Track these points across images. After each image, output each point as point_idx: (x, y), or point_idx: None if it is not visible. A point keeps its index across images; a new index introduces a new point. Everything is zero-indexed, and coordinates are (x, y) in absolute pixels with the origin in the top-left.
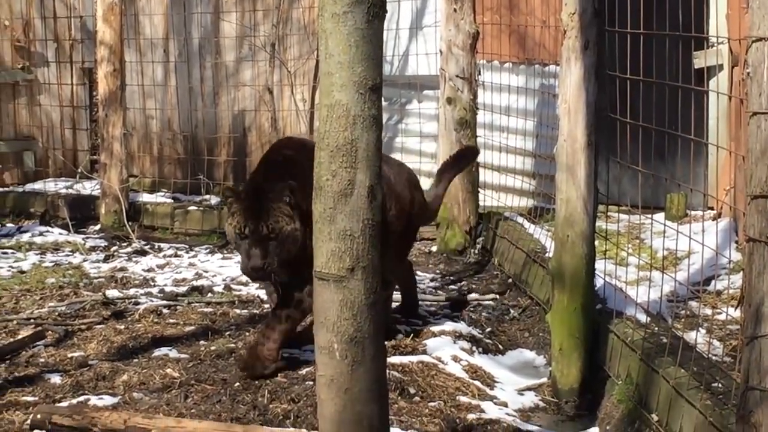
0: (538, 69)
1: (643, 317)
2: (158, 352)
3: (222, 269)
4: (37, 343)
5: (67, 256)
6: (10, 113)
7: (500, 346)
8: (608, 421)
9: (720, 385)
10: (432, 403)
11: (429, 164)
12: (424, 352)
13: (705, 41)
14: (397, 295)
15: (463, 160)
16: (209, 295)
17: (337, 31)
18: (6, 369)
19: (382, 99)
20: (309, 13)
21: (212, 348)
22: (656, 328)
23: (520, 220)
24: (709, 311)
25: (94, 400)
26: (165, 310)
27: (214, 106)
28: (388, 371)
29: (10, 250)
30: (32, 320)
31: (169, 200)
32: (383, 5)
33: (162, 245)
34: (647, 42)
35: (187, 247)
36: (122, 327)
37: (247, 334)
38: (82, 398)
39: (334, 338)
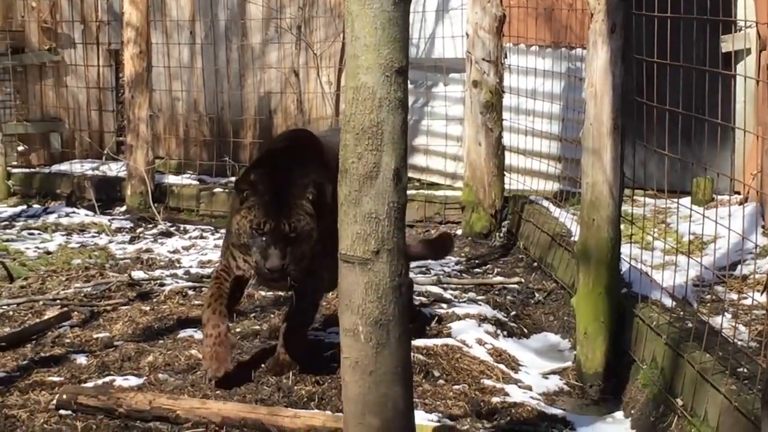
0: (564, 52)
1: (668, 302)
2: (183, 333)
3: None
4: (63, 323)
5: (93, 237)
6: (37, 94)
7: (525, 330)
8: (633, 406)
9: (745, 370)
10: (456, 386)
11: (455, 147)
12: (449, 335)
13: (733, 25)
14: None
15: (439, 250)
16: None
17: (363, 13)
18: (32, 349)
19: (408, 82)
20: None
21: (237, 329)
22: (682, 313)
23: (545, 203)
24: (734, 296)
25: (119, 381)
26: (190, 292)
27: (240, 88)
28: (412, 354)
29: (36, 231)
30: (58, 301)
31: (195, 182)
32: None
33: (187, 227)
34: (674, 25)
35: (212, 228)
36: (148, 308)
37: (272, 315)
38: (107, 379)
39: (359, 321)
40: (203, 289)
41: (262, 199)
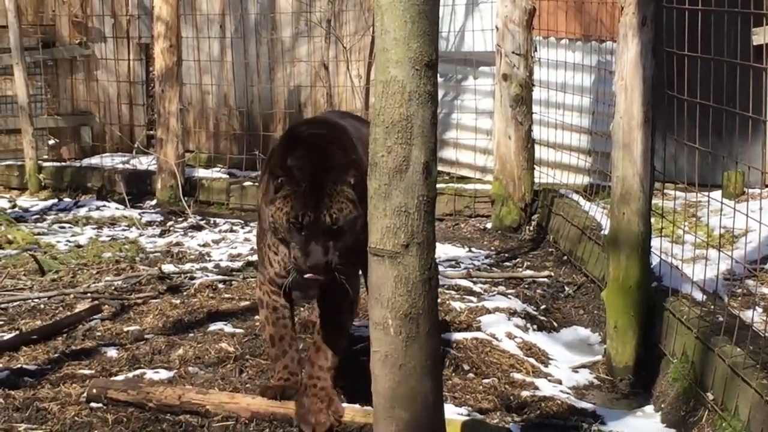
0: (594, 45)
1: (699, 295)
2: (213, 327)
3: None
4: (94, 316)
5: (124, 230)
6: (68, 88)
7: (555, 324)
8: (663, 400)
9: None
10: (486, 380)
11: (484, 141)
12: (479, 329)
13: (764, 17)
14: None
15: None
16: None
17: (393, 7)
18: (63, 342)
19: (438, 75)
20: None
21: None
22: (712, 307)
23: (575, 197)
24: (766, 290)
25: (149, 374)
26: (220, 285)
27: (269, 81)
28: (442, 348)
29: (67, 225)
30: (89, 294)
31: (225, 176)
32: None
33: (217, 220)
34: (705, 18)
35: (242, 222)
36: (178, 301)
37: (302, 309)
38: (137, 372)
39: (389, 314)
40: (233, 282)
41: (299, 188)
